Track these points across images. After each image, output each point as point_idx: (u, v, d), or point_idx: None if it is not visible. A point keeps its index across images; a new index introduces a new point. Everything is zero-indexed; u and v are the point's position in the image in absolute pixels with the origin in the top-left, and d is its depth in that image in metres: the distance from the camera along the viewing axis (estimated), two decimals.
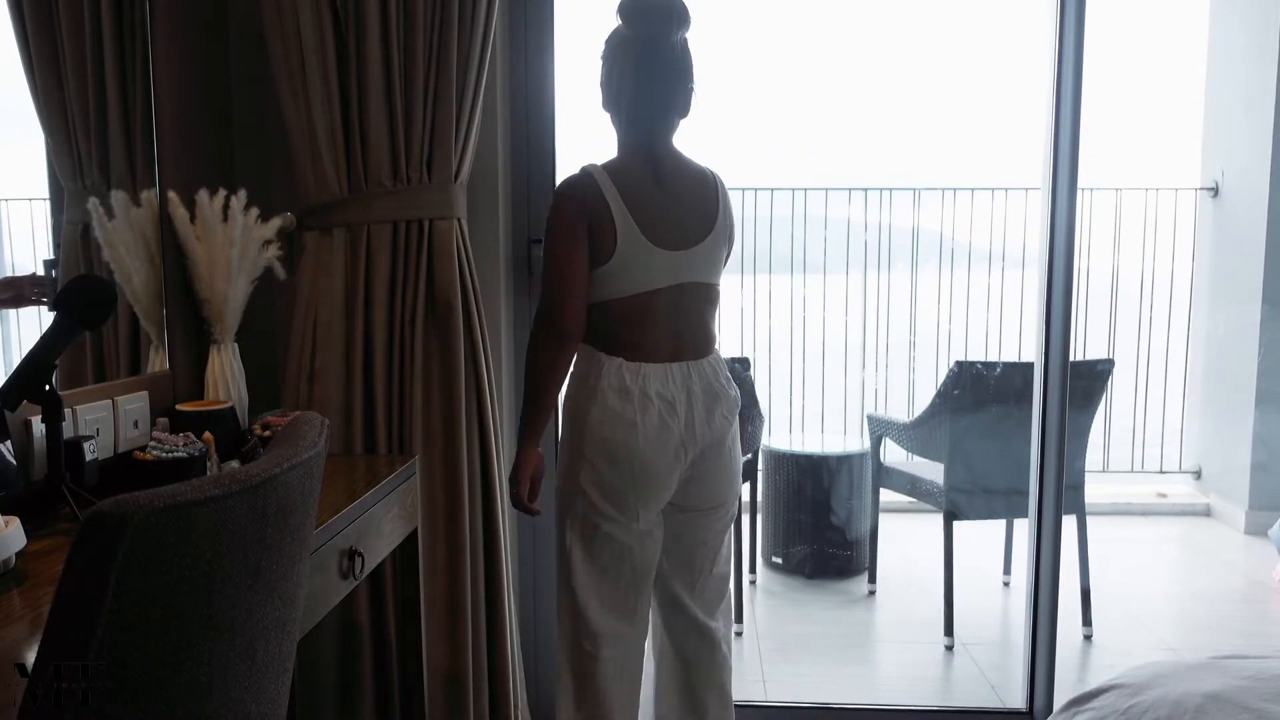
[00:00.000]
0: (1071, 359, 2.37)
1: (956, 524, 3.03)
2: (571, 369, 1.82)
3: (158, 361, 1.89)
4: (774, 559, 3.69)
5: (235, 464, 1.74)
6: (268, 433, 1.80)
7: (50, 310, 1.43)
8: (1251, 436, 4.11)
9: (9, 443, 1.43)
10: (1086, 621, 3.04)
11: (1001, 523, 3.39)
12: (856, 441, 3.99)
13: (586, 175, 1.76)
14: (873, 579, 3.50)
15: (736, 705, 2.07)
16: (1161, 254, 4.65)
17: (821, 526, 3.60)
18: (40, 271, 1.66)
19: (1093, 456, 4.09)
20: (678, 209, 1.77)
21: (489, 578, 2.14)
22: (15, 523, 1.20)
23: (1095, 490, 4.25)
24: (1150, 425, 4.74)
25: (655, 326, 1.76)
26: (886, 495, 3.45)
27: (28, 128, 1.61)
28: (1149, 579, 3.87)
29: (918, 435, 3.16)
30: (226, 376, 1.94)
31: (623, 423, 1.74)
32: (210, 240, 1.89)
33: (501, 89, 2.21)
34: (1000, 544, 3.48)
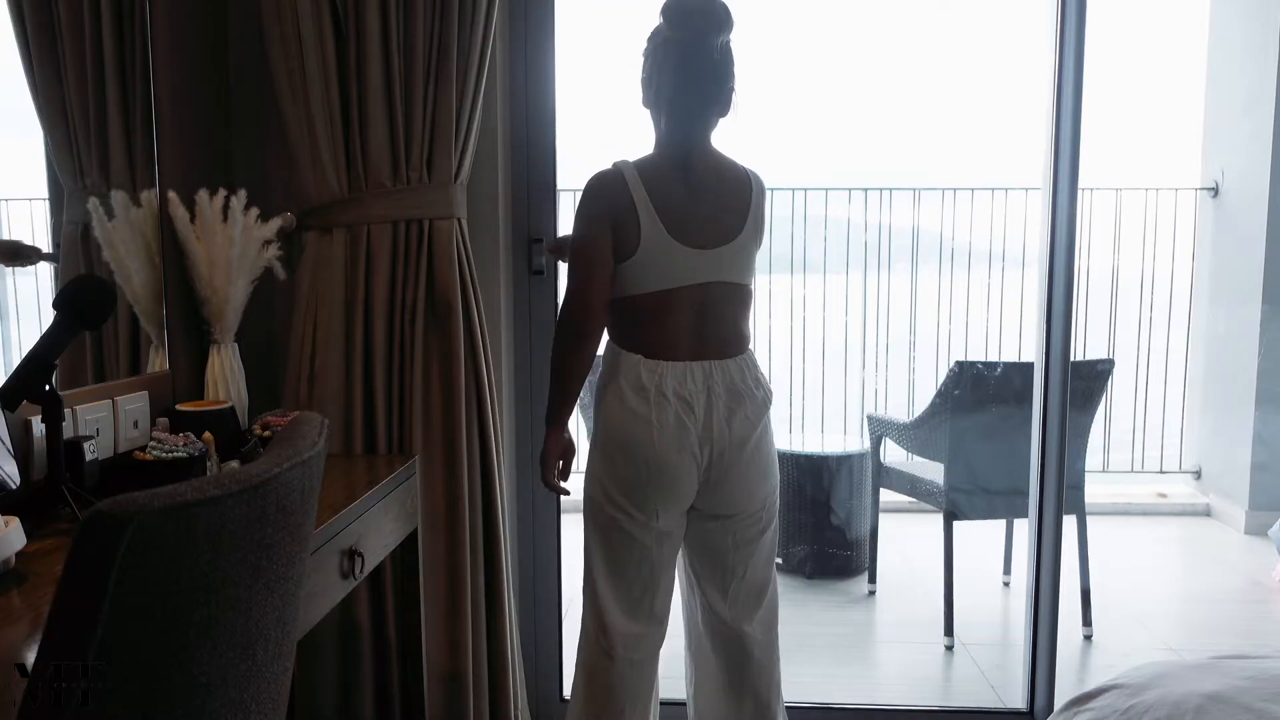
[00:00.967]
0: (1072, 359, 2.37)
1: (956, 524, 3.03)
2: (600, 367, 1.83)
3: (158, 361, 1.89)
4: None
5: (235, 464, 1.74)
6: (268, 433, 1.80)
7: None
8: (1251, 436, 4.11)
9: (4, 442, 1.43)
10: (1086, 621, 3.04)
11: (1001, 523, 3.39)
12: (856, 441, 3.99)
13: (615, 171, 1.76)
14: (873, 579, 3.50)
15: None
16: (1161, 254, 4.65)
17: (821, 526, 3.60)
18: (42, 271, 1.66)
19: (1093, 457, 4.09)
20: (707, 208, 1.76)
21: (489, 578, 2.14)
22: (15, 523, 1.20)
23: (1095, 490, 4.25)
24: (1150, 425, 4.74)
25: (678, 324, 1.75)
26: (886, 495, 3.45)
27: (28, 128, 1.61)
28: (1149, 579, 3.87)
29: (918, 435, 3.16)
30: (226, 376, 1.94)
31: (639, 420, 1.73)
32: (210, 240, 1.89)
33: (501, 89, 2.21)
34: (1000, 544, 3.48)
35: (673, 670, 2.19)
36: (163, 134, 1.89)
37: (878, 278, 4.83)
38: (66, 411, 1.49)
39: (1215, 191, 4.39)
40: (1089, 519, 3.06)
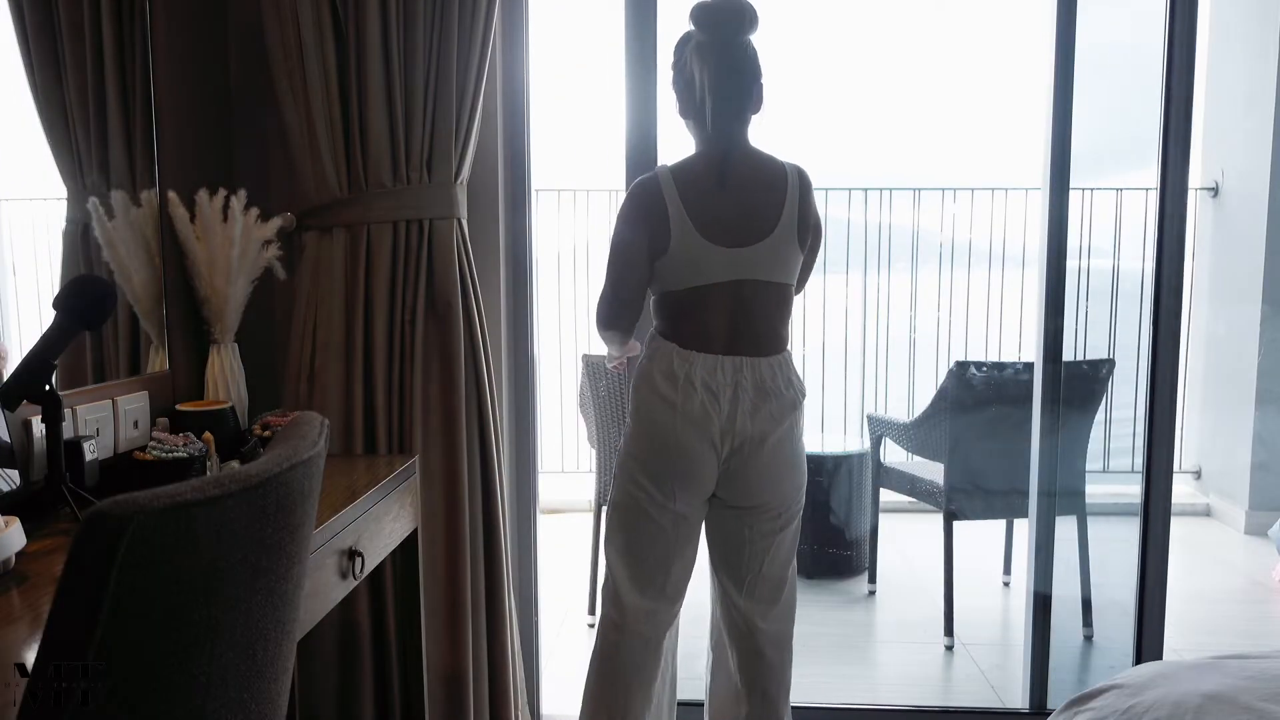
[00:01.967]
0: (1072, 359, 2.37)
1: (956, 524, 3.03)
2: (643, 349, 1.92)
3: (158, 361, 1.89)
4: None
5: (235, 464, 1.74)
6: (268, 433, 1.80)
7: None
8: (1251, 436, 4.11)
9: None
10: (1087, 622, 3.04)
11: (1001, 523, 3.39)
12: (856, 441, 3.99)
13: (652, 175, 1.84)
14: (873, 579, 3.50)
15: None
16: None
17: (821, 526, 3.60)
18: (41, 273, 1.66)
19: (1093, 457, 4.09)
20: (739, 207, 1.80)
21: (489, 578, 2.14)
22: (15, 523, 1.20)
23: (1095, 490, 4.24)
24: None
25: (710, 319, 1.80)
26: (886, 495, 3.45)
27: (28, 128, 1.61)
28: None
29: (918, 435, 3.16)
30: (226, 376, 1.94)
31: (666, 405, 1.80)
32: (210, 240, 1.89)
33: (502, 89, 2.21)
34: (1000, 544, 3.48)
35: (692, 670, 2.19)
36: (163, 134, 1.89)
37: (878, 278, 4.83)
38: (66, 411, 1.49)
39: (1215, 191, 4.39)
40: (1089, 519, 3.06)
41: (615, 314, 1.89)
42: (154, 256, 1.88)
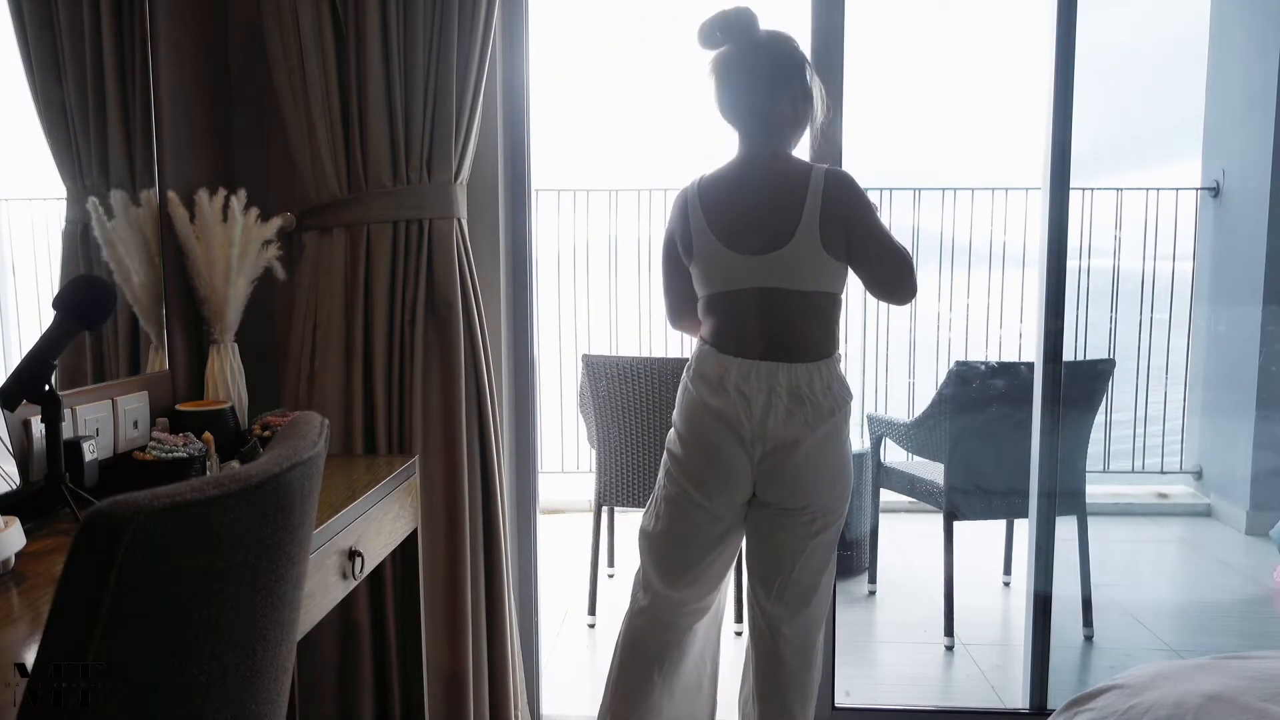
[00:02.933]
0: (1073, 359, 2.37)
1: (956, 524, 3.03)
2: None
3: (157, 361, 1.89)
4: None
5: (235, 464, 1.74)
6: (268, 433, 1.80)
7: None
8: (1252, 437, 4.10)
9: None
10: (1087, 622, 3.04)
11: (1001, 523, 3.39)
12: (857, 441, 3.98)
13: (687, 185, 1.89)
14: (873, 579, 3.50)
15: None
16: (1162, 254, 4.65)
17: None
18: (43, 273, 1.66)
19: (1093, 457, 4.09)
20: (758, 215, 1.80)
21: (489, 578, 2.14)
22: (15, 523, 1.20)
23: (1096, 490, 4.24)
24: (1151, 425, 4.73)
25: (739, 324, 1.82)
26: (886, 495, 3.45)
27: (28, 128, 1.61)
28: (1150, 579, 3.87)
29: (918, 435, 3.16)
30: (226, 376, 1.94)
31: (702, 406, 1.83)
32: (210, 240, 1.89)
33: (501, 89, 2.21)
34: (1000, 544, 3.48)
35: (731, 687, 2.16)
36: (163, 134, 1.89)
37: None
38: (66, 411, 1.49)
39: (1215, 192, 4.39)
40: (1090, 519, 3.06)
41: (673, 315, 1.99)
42: (154, 256, 1.88)
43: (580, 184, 4.79)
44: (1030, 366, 2.54)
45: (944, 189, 4.79)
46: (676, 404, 1.92)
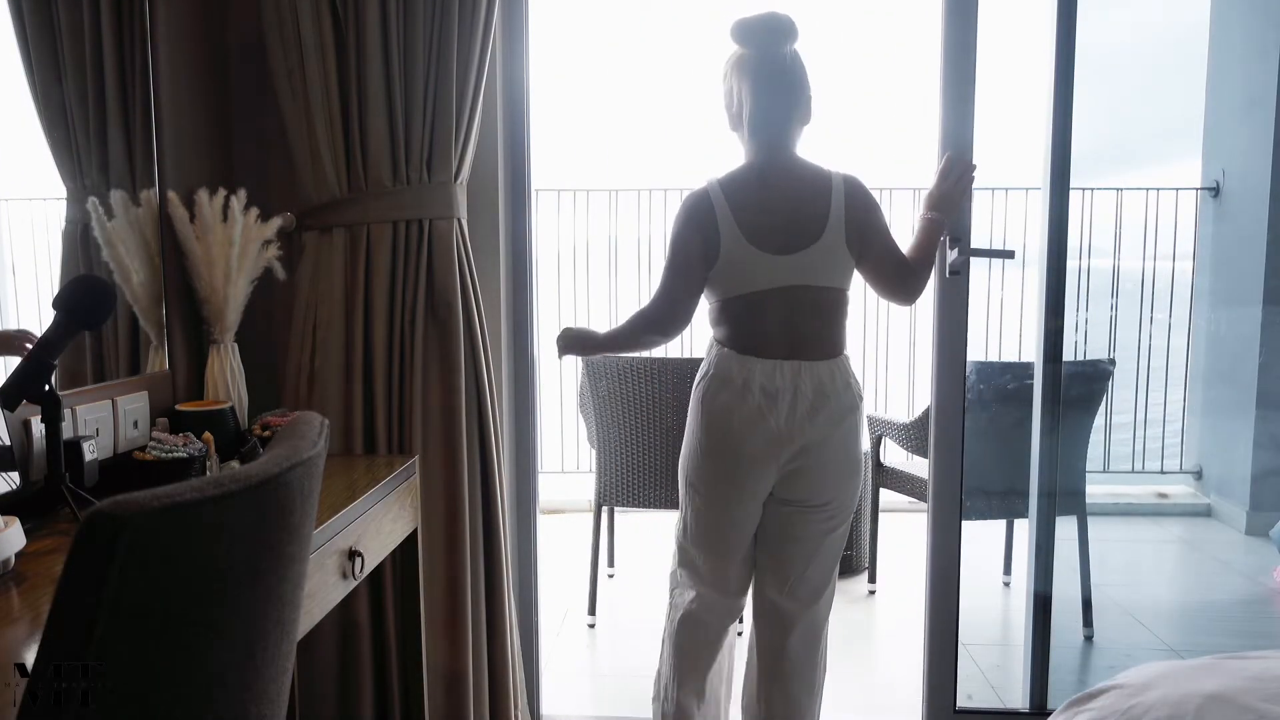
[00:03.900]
0: (1073, 359, 2.37)
1: None
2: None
3: (157, 361, 1.89)
4: None
5: (235, 464, 1.74)
6: (268, 433, 1.80)
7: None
8: (1252, 437, 4.10)
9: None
10: (1087, 622, 3.03)
11: (1001, 523, 3.38)
12: None
13: (702, 189, 1.90)
14: (873, 579, 3.50)
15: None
16: (1162, 254, 4.64)
17: None
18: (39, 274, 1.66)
19: (1094, 457, 4.08)
20: (786, 215, 1.85)
21: (489, 578, 2.14)
22: (15, 523, 1.20)
23: (1096, 490, 4.24)
24: (1151, 425, 4.73)
25: (766, 325, 1.85)
26: (886, 495, 3.45)
27: (28, 128, 1.61)
28: (1150, 579, 3.87)
29: (918, 435, 3.16)
30: (226, 376, 1.94)
31: (722, 407, 1.86)
32: (210, 240, 1.89)
33: (501, 89, 2.21)
34: (1000, 544, 3.48)
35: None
36: (163, 134, 1.89)
37: None
38: (66, 411, 1.49)
39: (1215, 191, 4.38)
40: (1090, 519, 3.06)
41: (669, 323, 1.95)
42: (154, 256, 1.88)
43: (580, 184, 4.79)
44: (1030, 366, 2.54)
45: None
46: (691, 416, 1.94)
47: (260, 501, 0.83)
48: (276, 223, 1.98)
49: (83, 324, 1.45)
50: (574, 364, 4.08)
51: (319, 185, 2.01)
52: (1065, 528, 2.69)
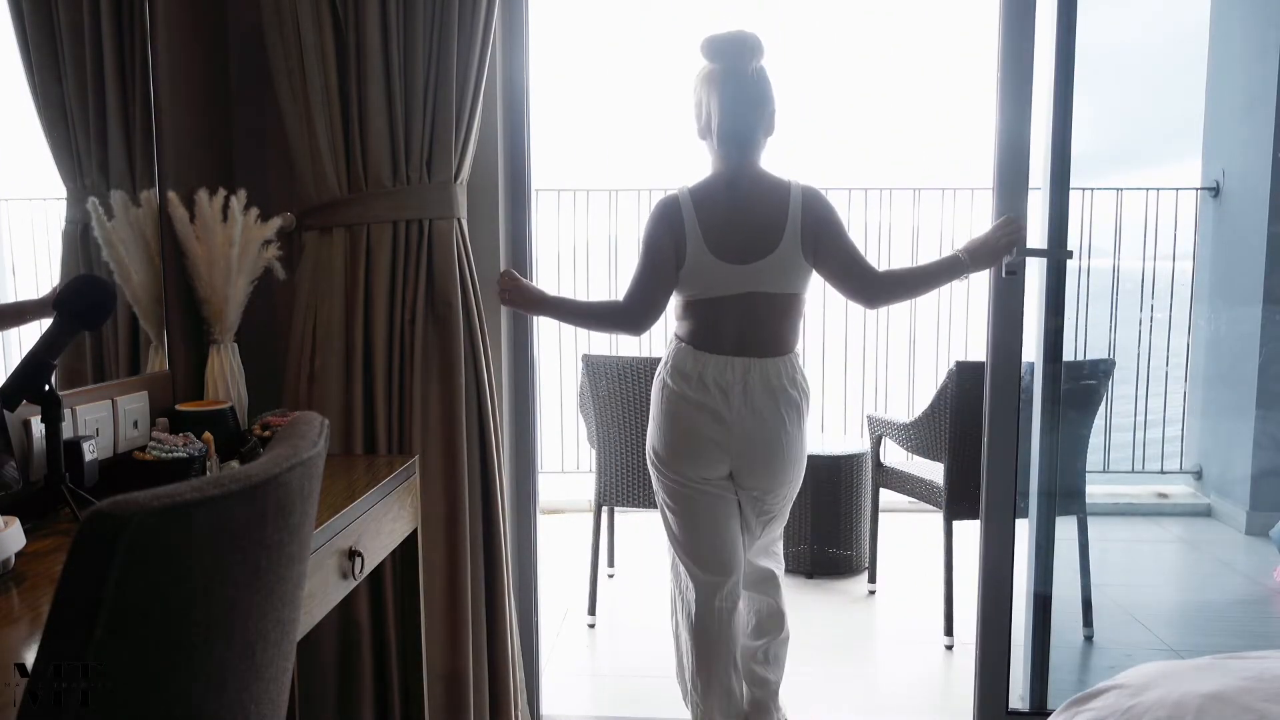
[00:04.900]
0: (1073, 359, 2.37)
1: (956, 524, 3.03)
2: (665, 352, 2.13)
3: (157, 361, 1.89)
4: None
5: (235, 464, 1.74)
6: (268, 433, 1.80)
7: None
8: (1252, 437, 4.10)
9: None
10: (1087, 622, 3.03)
11: None
12: (856, 441, 3.98)
13: (674, 196, 2.04)
14: (873, 579, 3.50)
15: None
16: (1162, 254, 4.64)
17: (821, 526, 3.60)
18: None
19: (1094, 457, 4.08)
20: (747, 227, 2.00)
21: (489, 578, 2.14)
22: (15, 523, 1.20)
23: (1096, 490, 4.24)
24: (1151, 425, 4.73)
25: (721, 325, 2.02)
26: (886, 495, 3.45)
27: (28, 128, 1.61)
28: (1150, 579, 3.87)
29: (918, 435, 3.16)
30: (226, 376, 1.94)
31: (681, 399, 2.03)
32: (210, 240, 1.89)
33: (501, 89, 2.21)
34: None
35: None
36: (163, 134, 1.89)
37: None
38: (66, 411, 1.49)
39: (1215, 192, 4.38)
40: (1090, 519, 3.06)
41: (640, 316, 2.07)
42: (154, 256, 1.88)
43: (580, 184, 4.79)
44: (1030, 366, 2.54)
45: (944, 189, 4.80)
46: (653, 404, 2.11)
47: (260, 501, 0.83)
48: (276, 223, 1.98)
49: (83, 324, 1.45)
50: (574, 364, 4.09)
51: (319, 185, 2.01)
52: (1065, 528, 2.69)
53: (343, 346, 2.03)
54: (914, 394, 4.86)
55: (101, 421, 1.66)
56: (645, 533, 4.02)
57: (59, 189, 1.67)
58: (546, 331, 4.60)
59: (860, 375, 4.95)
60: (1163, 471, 4.67)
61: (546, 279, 4.67)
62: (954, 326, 4.86)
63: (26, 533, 1.22)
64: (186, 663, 0.78)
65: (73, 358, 1.65)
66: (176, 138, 1.94)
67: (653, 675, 2.73)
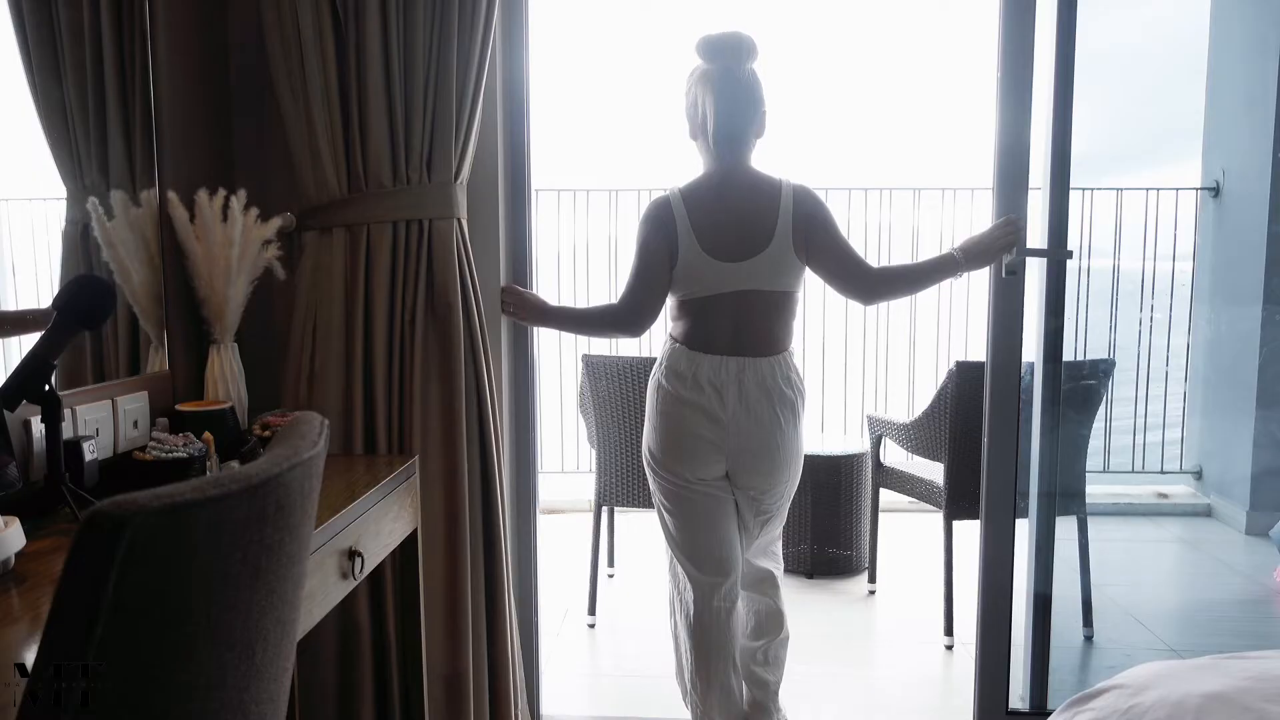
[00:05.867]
0: (1073, 359, 2.37)
1: (956, 524, 3.03)
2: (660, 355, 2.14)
3: (157, 361, 1.89)
4: None
5: (235, 464, 1.74)
6: (267, 433, 1.80)
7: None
8: (1252, 437, 4.10)
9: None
10: (1087, 622, 3.03)
11: None
12: (857, 441, 3.99)
13: (664, 197, 2.07)
14: (873, 579, 3.50)
15: None
16: (1162, 254, 4.64)
17: (822, 526, 3.60)
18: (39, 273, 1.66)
19: (1094, 457, 4.08)
20: (739, 225, 2.02)
21: (489, 578, 2.14)
22: (15, 523, 1.20)
23: (1096, 490, 4.24)
24: (1151, 425, 4.73)
25: (715, 324, 2.03)
26: (886, 495, 3.45)
27: (28, 128, 1.61)
28: (1150, 579, 3.87)
29: (918, 435, 3.16)
30: (226, 376, 1.94)
31: (676, 399, 2.05)
32: (210, 240, 1.89)
33: (501, 89, 2.21)
34: None
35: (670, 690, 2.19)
36: (163, 134, 1.89)
37: None
38: (66, 411, 1.50)
39: (1215, 192, 4.38)
40: (1090, 519, 3.06)
41: (636, 317, 2.09)
42: (154, 256, 1.88)
43: (580, 184, 4.79)
44: (1030, 366, 2.54)
45: (944, 189, 4.80)
46: (649, 405, 2.12)
47: (260, 501, 0.83)
48: (276, 223, 1.98)
49: (83, 324, 1.45)
50: (574, 364, 4.09)
51: (319, 185, 2.01)
52: (1065, 528, 2.69)
53: (343, 346, 2.03)
54: (914, 394, 4.86)
55: (101, 421, 1.66)
56: (645, 533, 4.02)
57: (59, 189, 1.67)
58: (546, 331, 4.60)
59: (860, 375, 4.95)
60: (1163, 471, 4.67)
61: (546, 279, 4.67)
62: (954, 326, 4.86)
63: (26, 533, 1.22)
64: (186, 663, 0.78)
65: (73, 358, 1.65)
66: (176, 138, 1.94)
67: (653, 675, 2.73)
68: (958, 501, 3.00)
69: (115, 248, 1.77)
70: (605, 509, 3.35)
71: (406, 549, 1.92)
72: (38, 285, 1.66)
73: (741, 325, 2.02)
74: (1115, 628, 3.16)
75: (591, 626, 3.19)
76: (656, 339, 4.93)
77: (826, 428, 4.92)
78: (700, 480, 2.08)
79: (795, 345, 2.13)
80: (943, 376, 3.11)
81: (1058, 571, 2.46)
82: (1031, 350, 2.36)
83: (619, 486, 3.09)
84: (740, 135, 2.03)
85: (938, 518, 3.07)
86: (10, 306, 1.62)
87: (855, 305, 4.99)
